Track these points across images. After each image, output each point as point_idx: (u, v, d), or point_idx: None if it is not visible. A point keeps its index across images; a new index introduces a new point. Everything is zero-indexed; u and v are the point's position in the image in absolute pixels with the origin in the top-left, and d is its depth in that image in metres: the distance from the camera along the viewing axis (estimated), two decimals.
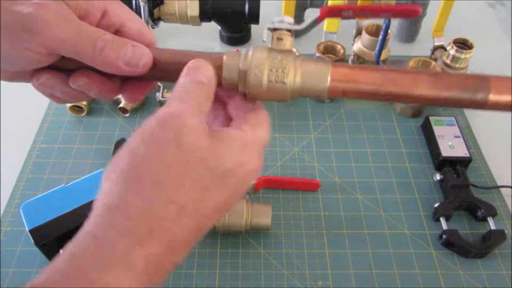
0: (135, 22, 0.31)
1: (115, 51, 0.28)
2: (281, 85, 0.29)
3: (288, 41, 0.30)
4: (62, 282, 0.22)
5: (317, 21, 0.30)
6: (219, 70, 0.30)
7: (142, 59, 0.29)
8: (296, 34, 0.31)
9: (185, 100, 0.27)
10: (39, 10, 0.26)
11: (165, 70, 0.31)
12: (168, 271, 0.26)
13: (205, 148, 0.26)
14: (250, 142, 0.28)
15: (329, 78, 0.29)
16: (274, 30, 0.30)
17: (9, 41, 0.26)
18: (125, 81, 0.33)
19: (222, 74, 0.30)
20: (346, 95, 0.29)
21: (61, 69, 0.31)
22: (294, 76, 0.29)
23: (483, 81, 0.28)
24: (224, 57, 0.30)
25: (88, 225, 0.25)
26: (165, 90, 0.67)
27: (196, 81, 0.28)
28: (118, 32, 0.31)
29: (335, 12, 0.30)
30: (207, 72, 0.29)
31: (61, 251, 0.24)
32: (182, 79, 0.29)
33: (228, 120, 0.32)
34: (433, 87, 0.28)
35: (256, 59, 0.29)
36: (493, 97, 0.28)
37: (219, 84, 0.30)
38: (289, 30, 0.30)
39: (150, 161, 0.25)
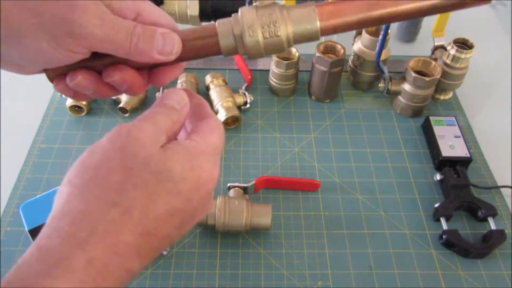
0: (152, 10, 0.32)
1: (148, 42, 0.29)
2: (276, 38, 0.30)
3: None
4: None
5: None
6: (214, 38, 0.31)
7: (174, 46, 0.30)
8: None
9: (147, 119, 0.28)
10: (78, 13, 0.27)
11: (194, 48, 0.32)
12: (121, 277, 0.25)
13: (150, 155, 0.27)
14: (201, 151, 0.29)
15: (318, 19, 0.30)
16: None
17: (52, 45, 0.27)
18: (152, 70, 0.33)
19: (219, 43, 0.31)
20: (337, 30, 0.31)
21: (93, 67, 0.31)
22: (286, 27, 0.30)
23: None
24: (217, 26, 0.31)
25: (37, 238, 0.25)
26: (165, 90, 0.67)
27: (168, 106, 0.30)
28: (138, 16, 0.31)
29: None
30: (180, 99, 0.31)
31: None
32: (155, 103, 0.30)
33: None
34: None
35: (247, 20, 0.30)
36: None
37: (219, 52, 0.31)
38: None
39: (95, 168, 0.26)
